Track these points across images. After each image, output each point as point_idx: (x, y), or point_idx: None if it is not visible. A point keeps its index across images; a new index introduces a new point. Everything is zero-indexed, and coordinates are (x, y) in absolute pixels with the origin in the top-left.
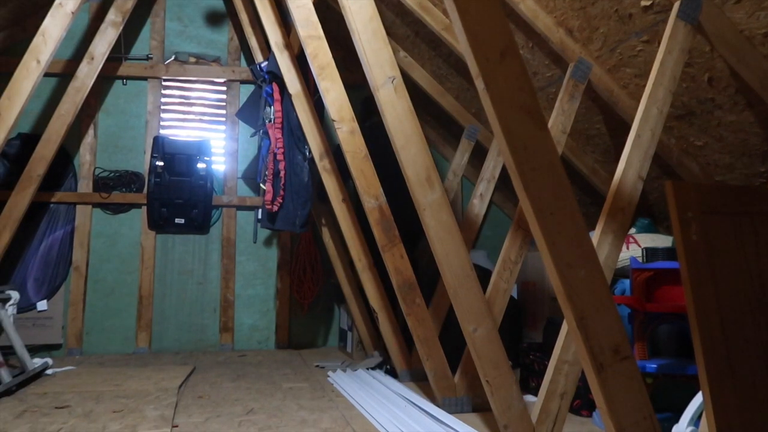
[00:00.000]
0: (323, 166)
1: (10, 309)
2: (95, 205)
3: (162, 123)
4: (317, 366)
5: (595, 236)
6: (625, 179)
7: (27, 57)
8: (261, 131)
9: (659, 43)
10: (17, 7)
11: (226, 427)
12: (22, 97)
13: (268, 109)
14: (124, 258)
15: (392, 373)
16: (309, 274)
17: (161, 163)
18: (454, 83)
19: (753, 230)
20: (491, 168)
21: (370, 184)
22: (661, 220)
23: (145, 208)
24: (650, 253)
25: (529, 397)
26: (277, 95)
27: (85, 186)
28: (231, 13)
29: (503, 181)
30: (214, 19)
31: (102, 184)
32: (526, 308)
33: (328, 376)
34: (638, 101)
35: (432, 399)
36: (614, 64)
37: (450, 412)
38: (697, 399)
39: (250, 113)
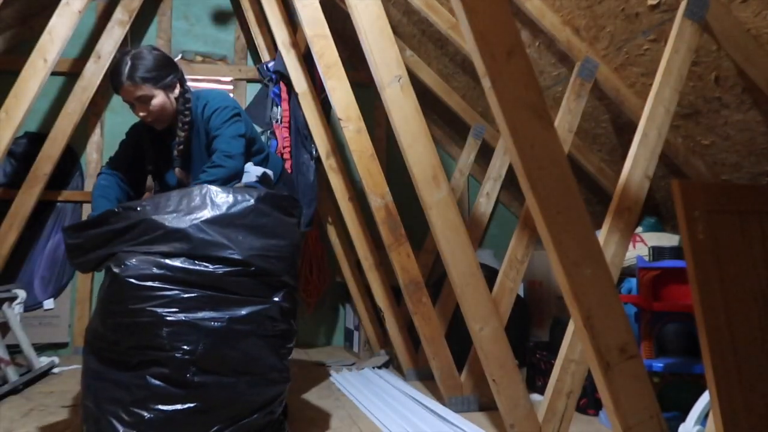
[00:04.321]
0: (330, 164)
1: (17, 308)
2: None
3: None
4: (324, 365)
5: (601, 235)
6: (631, 178)
7: (34, 56)
8: (268, 132)
9: (666, 42)
10: (24, 6)
11: None
12: (28, 96)
13: (275, 109)
14: None
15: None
16: (315, 273)
17: None
18: (461, 82)
19: (760, 229)
20: (498, 167)
21: (376, 183)
22: (668, 219)
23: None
24: (657, 252)
25: (536, 396)
26: (284, 95)
27: (91, 185)
28: (237, 12)
29: (510, 180)
30: (220, 17)
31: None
32: (533, 307)
33: (331, 375)
34: (645, 100)
35: (438, 398)
36: (621, 63)
37: (456, 411)
38: (704, 398)
39: (256, 112)
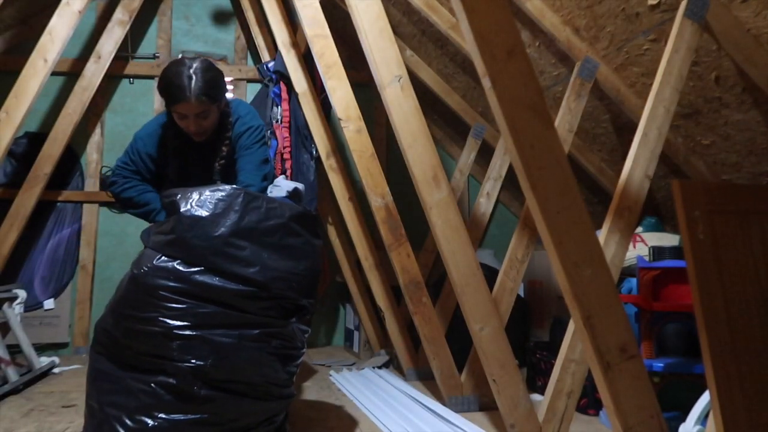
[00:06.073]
0: (330, 164)
1: (17, 308)
2: (102, 203)
3: None
4: (324, 365)
5: (601, 235)
6: (631, 178)
7: (34, 56)
8: (268, 132)
9: (666, 42)
10: (24, 6)
11: None
12: (29, 96)
13: (275, 109)
14: (131, 256)
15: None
16: None
17: None
18: (461, 82)
19: (760, 229)
20: (498, 167)
21: (376, 183)
22: (668, 219)
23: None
24: (657, 252)
25: (536, 396)
26: (284, 95)
27: (91, 185)
28: (238, 12)
29: (510, 180)
30: (220, 17)
31: (109, 183)
32: (533, 307)
33: (331, 375)
34: (645, 100)
35: (439, 398)
36: (621, 62)
37: (457, 411)
38: (704, 398)
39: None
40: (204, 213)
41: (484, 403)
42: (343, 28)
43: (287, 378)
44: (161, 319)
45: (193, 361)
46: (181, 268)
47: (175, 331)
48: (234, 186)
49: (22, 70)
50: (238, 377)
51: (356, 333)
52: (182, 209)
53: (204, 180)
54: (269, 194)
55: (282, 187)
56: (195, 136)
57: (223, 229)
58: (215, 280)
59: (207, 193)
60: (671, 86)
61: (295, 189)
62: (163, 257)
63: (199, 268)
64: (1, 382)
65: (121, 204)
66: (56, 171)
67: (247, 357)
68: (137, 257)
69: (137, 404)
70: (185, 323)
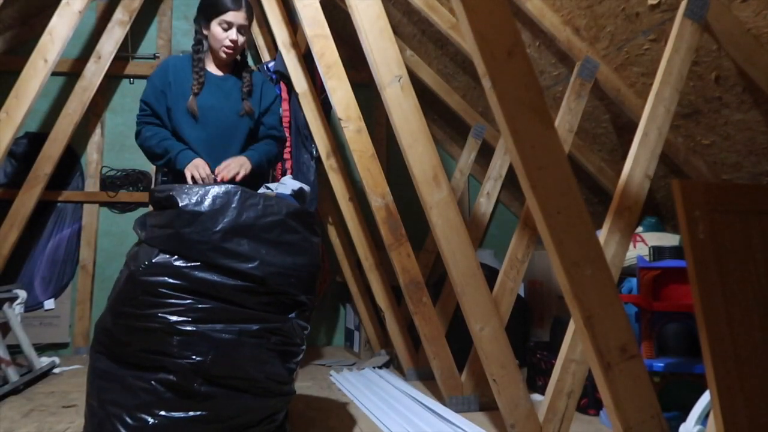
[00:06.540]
0: (330, 164)
1: (18, 308)
2: (102, 204)
3: None
4: (324, 365)
5: (602, 235)
6: (632, 178)
7: (34, 56)
8: None
9: (666, 42)
10: (24, 7)
11: None
12: (29, 96)
13: None
14: None
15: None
16: None
17: None
18: (461, 82)
19: (761, 229)
20: (498, 167)
21: (377, 183)
22: (669, 219)
23: (152, 207)
24: (657, 252)
25: (536, 396)
26: (284, 95)
27: (92, 185)
28: None
29: (510, 180)
30: None
31: (109, 183)
32: (533, 307)
33: (331, 375)
34: (645, 100)
35: (439, 398)
36: (621, 62)
37: (457, 411)
38: (705, 398)
39: None
40: (202, 208)
41: (484, 403)
42: (343, 28)
43: (287, 374)
44: (161, 315)
45: (194, 357)
46: (179, 264)
47: (176, 327)
48: (230, 185)
49: (23, 70)
50: (238, 373)
51: (356, 333)
52: (181, 204)
53: (229, 106)
54: (275, 191)
55: (288, 185)
56: (228, 51)
57: (221, 224)
58: (214, 276)
59: (204, 188)
60: (671, 86)
61: (301, 189)
62: (160, 254)
63: (197, 264)
64: (2, 382)
65: (147, 156)
66: (56, 171)
67: (247, 353)
68: (132, 253)
69: (137, 402)
70: (185, 319)
